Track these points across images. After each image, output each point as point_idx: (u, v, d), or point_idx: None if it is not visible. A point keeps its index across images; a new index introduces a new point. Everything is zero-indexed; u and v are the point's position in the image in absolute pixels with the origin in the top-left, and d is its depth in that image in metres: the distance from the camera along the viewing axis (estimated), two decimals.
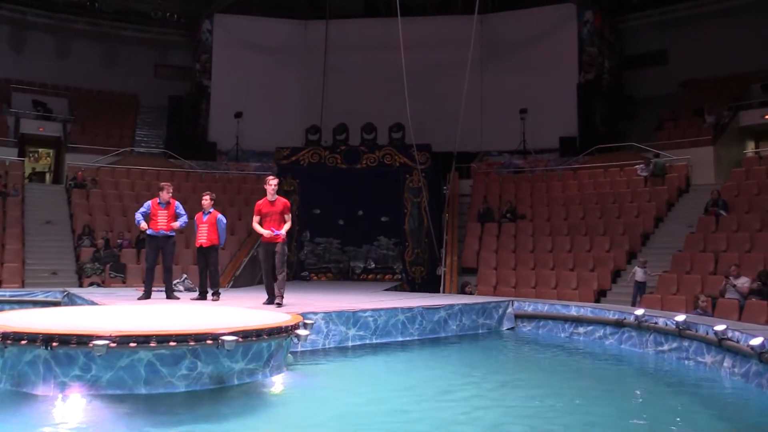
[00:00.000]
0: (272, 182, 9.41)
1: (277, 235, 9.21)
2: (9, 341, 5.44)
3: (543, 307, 10.68)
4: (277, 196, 9.45)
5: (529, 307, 10.86)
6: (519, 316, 10.81)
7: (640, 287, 13.50)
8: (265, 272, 9.45)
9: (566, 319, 10.06)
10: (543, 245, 16.66)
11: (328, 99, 23.47)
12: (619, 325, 9.05)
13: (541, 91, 21.89)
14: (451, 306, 10.07)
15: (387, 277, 17.77)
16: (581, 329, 9.78)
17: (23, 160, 20.67)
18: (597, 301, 13.76)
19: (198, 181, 20.90)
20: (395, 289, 16.30)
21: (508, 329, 10.69)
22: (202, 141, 23.45)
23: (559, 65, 22.12)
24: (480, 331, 10.35)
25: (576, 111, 21.63)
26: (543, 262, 16.05)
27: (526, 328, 10.69)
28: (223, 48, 24.34)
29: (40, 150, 24.34)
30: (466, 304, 10.30)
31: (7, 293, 12.13)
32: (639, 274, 13.60)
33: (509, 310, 10.84)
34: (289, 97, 23.81)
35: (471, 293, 14.13)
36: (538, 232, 17.27)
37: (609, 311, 9.50)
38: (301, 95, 23.99)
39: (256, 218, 9.51)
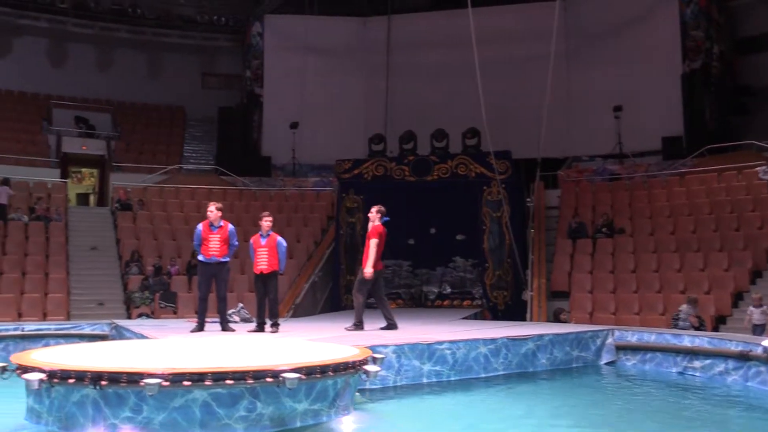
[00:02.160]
0: (372, 209, 10.90)
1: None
2: (56, 380, 5.67)
3: (649, 336, 10.35)
4: (378, 223, 10.75)
5: (632, 336, 10.54)
6: (620, 348, 10.51)
7: (760, 330, 12.38)
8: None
9: (678, 351, 9.72)
10: (647, 264, 16.18)
11: (392, 104, 23.64)
12: (743, 358, 8.67)
13: (638, 84, 21.37)
14: (541, 336, 9.89)
15: (465, 303, 17.64)
16: (697, 363, 9.41)
17: (66, 182, 21.70)
18: (715, 329, 13.22)
19: (252, 200, 21.41)
20: (475, 317, 16.18)
21: (607, 363, 10.41)
22: (256, 155, 24.03)
23: (658, 54, 21.56)
24: (574, 365, 10.12)
25: (681, 106, 20.98)
26: (647, 283, 15.57)
27: (630, 361, 10.37)
28: (275, 52, 24.94)
29: (83, 170, 25.52)
30: (557, 335, 10.10)
31: (53, 326, 12.70)
32: (756, 315, 12.63)
33: (609, 340, 10.55)
34: (350, 104, 24.12)
35: (566, 321, 13.83)
36: (640, 249, 16.79)
37: (731, 341, 9.13)
38: (363, 101, 24.27)
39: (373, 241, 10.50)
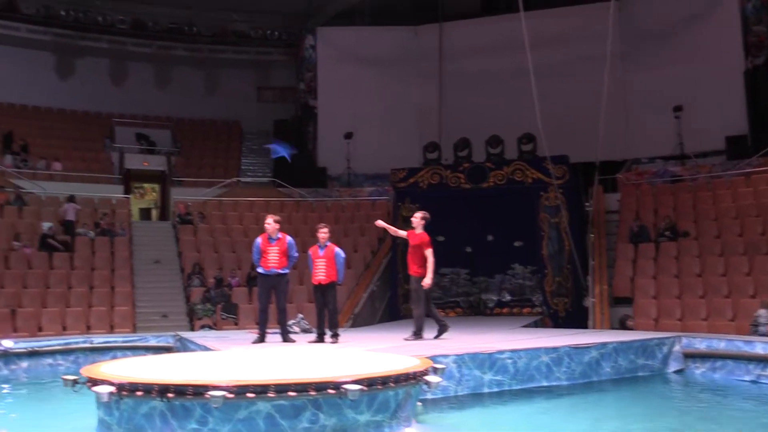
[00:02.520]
0: (416, 214, 10.78)
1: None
2: (124, 392, 5.82)
3: (719, 343, 10.05)
4: (422, 230, 10.61)
5: (701, 343, 10.25)
6: (689, 356, 10.24)
7: None
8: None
9: (751, 359, 9.40)
10: (713, 268, 15.68)
11: (446, 111, 23.61)
12: None
13: (698, 83, 20.82)
14: (604, 344, 9.70)
15: (525, 310, 17.46)
16: None
17: (129, 197, 22.32)
18: None
19: (309, 211, 21.64)
20: (535, 324, 15.99)
21: (675, 371, 10.14)
22: (311, 166, 24.28)
23: (718, 51, 20.95)
24: (640, 374, 9.89)
25: (744, 104, 20.34)
26: (715, 288, 15.09)
27: (699, 369, 10.09)
28: (328, 64, 25.20)
29: (145, 185, 26.21)
30: (622, 342, 9.89)
31: (120, 339, 13.08)
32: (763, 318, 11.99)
33: (676, 347, 10.29)
34: (403, 112, 24.16)
35: (632, 328, 13.49)
36: (706, 252, 16.29)
37: None
38: (417, 109, 24.28)
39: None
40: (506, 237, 17.89)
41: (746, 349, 9.59)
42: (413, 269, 10.57)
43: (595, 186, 19.07)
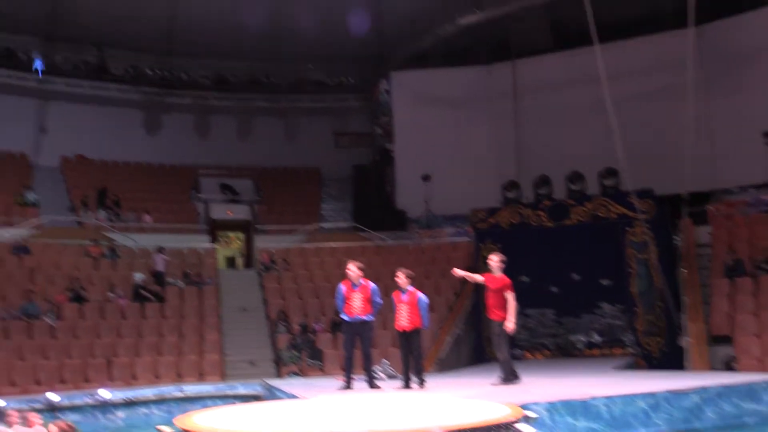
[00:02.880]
0: (493, 258, 10.60)
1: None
2: None
3: None
4: (501, 273, 10.44)
5: None
6: None
7: None
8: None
9: None
10: None
11: (523, 149, 23.40)
12: None
13: None
14: (705, 388, 9.23)
15: (616, 351, 16.90)
16: None
17: (215, 247, 22.96)
18: None
19: (389, 255, 21.69)
20: (628, 366, 15.42)
21: None
22: (390, 210, 24.40)
23: None
24: (747, 420, 9.33)
25: None
26: None
27: None
28: (403, 107, 25.43)
29: (230, 234, 26.92)
30: (725, 386, 9.40)
31: (211, 388, 13.35)
32: None
33: None
34: (480, 152, 24.05)
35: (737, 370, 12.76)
36: None
37: None
38: (493, 148, 24.12)
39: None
40: (592, 275, 17.45)
41: None
42: (495, 313, 10.36)
43: (684, 219, 18.42)
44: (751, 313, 15.35)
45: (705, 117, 20.64)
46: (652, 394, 8.89)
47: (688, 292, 16.43)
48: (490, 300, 10.44)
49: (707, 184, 20.64)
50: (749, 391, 9.49)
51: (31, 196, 22.02)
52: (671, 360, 15.40)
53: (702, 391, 9.17)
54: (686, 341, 15.14)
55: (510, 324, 10.15)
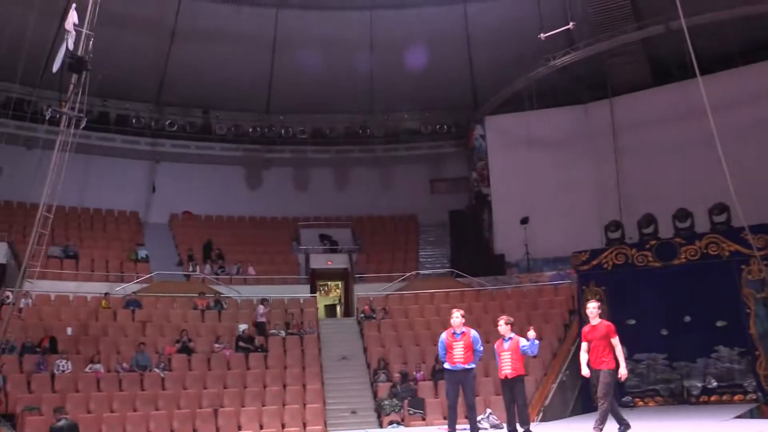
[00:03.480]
0: (590, 306, 9.96)
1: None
2: None
3: None
4: (600, 320, 9.82)
5: None
6: None
7: None
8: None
9: None
10: None
11: (624, 188, 22.74)
12: None
13: None
14: None
15: (736, 398, 15.85)
16: None
17: (315, 296, 23.28)
18: None
19: (489, 300, 21.40)
20: (751, 414, 14.40)
21: None
22: (489, 254, 24.15)
23: None
24: None
25: None
26: None
27: None
28: (498, 151, 25.33)
29: (329, 283, 27.28)
30: None
31: None
32: None
33: None
34: (580, 192, 23.54)
35: None
36: None
37: None
38: (594, 188, 23.57)
39: (583, 345, 9.95)
40: (706, 317, 16.54)
41: None
42: (602, 363, 9.62)
43: None
44: None
45: None
46: None
47: None
48: (596, 350, 9.73)
49: None
50: None
51: (142, 252, 23.15)
52: None
53: None
54: None
55: (623, 370, 9.65)
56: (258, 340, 19.06)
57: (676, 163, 21.82)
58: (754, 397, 15.54)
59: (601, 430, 9.68)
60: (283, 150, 27.99)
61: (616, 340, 9.62)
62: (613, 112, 23.93)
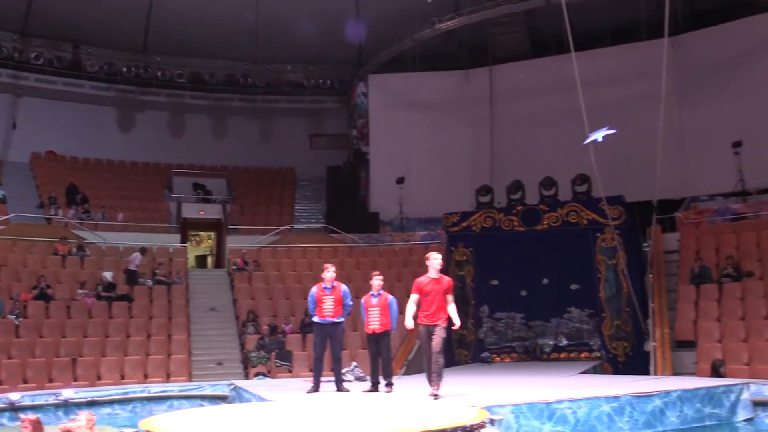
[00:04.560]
0: (437, 257, 9.50)
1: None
2: None
3: None
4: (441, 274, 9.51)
5: None
6: (758, 404, 9.78)
7: None
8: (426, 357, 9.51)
9: None
10: None
11: (498, 154, 23.59)
12: None
13: (757, 118, 20.31)
14: (668, 393, 9.37)
15: (583, 355, 17.02)
16: None
17: (186, 246, 22.78)
18: None
19: (361, 256, 21.72)
20: (594, 370, 15.57)
21: (744, 420, 9.70)
22: (364, 212, 24.46)
23: None
24: (707, 423, 9.49)
25: None
26: None
27: None
28: (379, 110, 25.51)
29: (201, 233, 26.75)
30: (686, 390, 9.54)
31: (176, 388, 13.21)
32: None
33: (744, 395, 9.87)
34: (455, 156, 24.21)
35: (725, 375, 12.75)
36: None
37: None
38: (469, 153, 24.30)
39: (414, 297, 9.47)
40: (562, 280, 17.53)
41: None
42: (439, 317, 9.31)
43: (653, 226, 18.63)
44: (715, 320, 15.58)
45: (677, 126, 20.98)
46: (616, 398, 8.99)
47: (655, 298, 16.64)
48: (434, 304, 9.30)
49: (677, 191, 20.98)
50: (709, 396, 9.63)
51: None
52: (636, 364, 15.57)
53: (664, 395, 9.30)
54: (651, 346, 15.34)
55: (458, 322, 9.55)
56: (123, 288, 18.49)
57: (547, 133, 22.84)
58: (598, 355, 16.74)
59: (439, 387, 9.38)
60: (159, 93, 26.91)
61: (451, 296, 9.52)
62: (492, 80, 24.62)
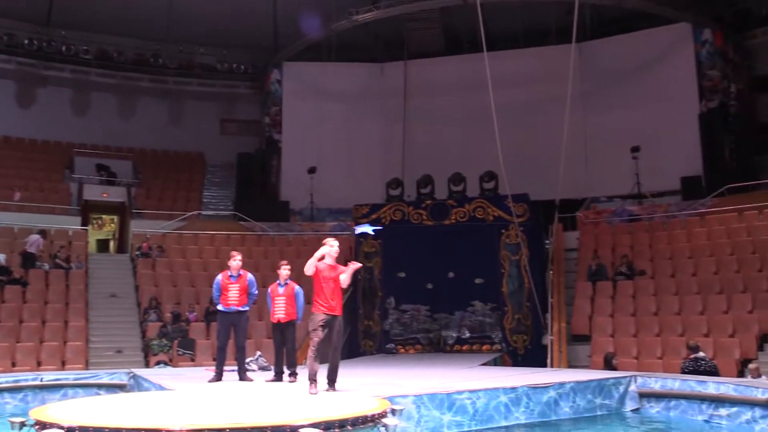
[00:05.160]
0: (335, 243, 9.20)
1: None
2: None
3: (673, 383, 10.18)
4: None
5: (656, 383, 10.38)
6: (644, 395, 10.34)
7: None
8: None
9: (703, 399, 9.53)
10: (669, 306, 15.97)
11: (409, 148, 23.84)
12: None
13: (655, 124, 21.40)
14: (562, 384, 9.76)
15: (484, 347, 17.48)
16: (723, 411, 9.22)
17: (87, 229, 21.93)
18: (741, 374, 12.96)
19: (270, 245, 21.52)
20: (494, 362, 16.04)
21: (632, 410, 10.23)
22: (274, 200, 24.20)
23: (675, 94, 21.61)
24: (598, 413, 9.95)
25: (699, 146, 20.95)
26: (670, 326, 15.35)
27: (654, 408, 10.20)
28: (293, 98, 25.29)
29: (103, 217, 25.81)
30: (579, 382, 9.96)
31: (71, 376, 12.70)
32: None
33: (632, 387, 10.39)
34: (367, 149, 24.33)
35: (617, 368, 13.29)
36: (661, 291, 16.59)
37: (757, 388, 8.93)
38: (381, 145, 24.46)
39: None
40: (467, 274, 17.92)
41: (699, 389, 9.73)
42: (339, 307, 8.96)
43: (555, 224, 19.33)
44: (608, 315, 16.34)
45: (581, 129, 21.78)
46: (513, 389, 9.28)
47: (554, 294, 17.29)
48: (334, 291, 8.89)
49: (579, 192, 21.82)
50: (600, 388, 10.10)
51: None
52: (535, 357, 16.15)
53: (558, 386, 9.68)
54: (549, 339, 15.93)
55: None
56: (18, 272, 17.63)
57: (458, 129, 23.30)
58: (499, 348, 17.24)
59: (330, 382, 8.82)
60: (63, 69, 25.64)
61: (345, 276, 9.03)
62: (407, 75, 24.86)
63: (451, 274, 18.13)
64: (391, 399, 7.57)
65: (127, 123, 26.38)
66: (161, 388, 9.83)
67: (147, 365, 15.75)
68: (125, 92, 26.60)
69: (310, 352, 8.70)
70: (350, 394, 8.40)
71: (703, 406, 9.52)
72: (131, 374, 12.33)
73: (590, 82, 22.59)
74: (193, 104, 27.17)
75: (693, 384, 9.92)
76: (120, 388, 12.14)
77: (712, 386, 9.64)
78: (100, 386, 12.15)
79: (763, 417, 8.65)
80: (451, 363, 14.64)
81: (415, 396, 8.48)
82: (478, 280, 17.87)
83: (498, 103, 16.18)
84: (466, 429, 8.70)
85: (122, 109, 26.64)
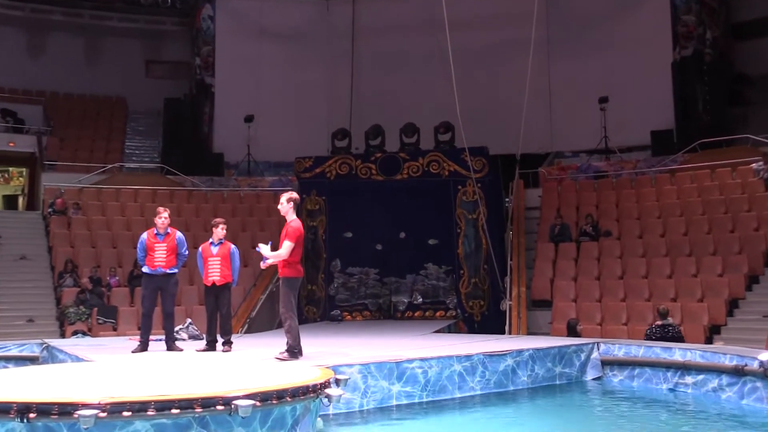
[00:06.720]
0: (282, 199, 9.36)
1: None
2: None
3: (638, 350, 10.45)
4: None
5: (619, 350, 10.64)
6: (607, 363, 10.61)
7: None
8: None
9: (669, 366, 9.82)
10: (635, 270, 16.38)
11: (358, 95, 23.67)
12: (738, 373, 8.78)
13: (625, 74, 21.65)
14: (520, 352, 9.95)
15: (438, 314, 17.70)
16: (689, 378, 9.52)
17: None
18: (709, 340, 13.44)
19: (202, 202, 21.31)
20: (449, 329, 16.27)
21: (593, 379, 10.51)
22: (206, 152, 23.93)
23: (647, 41, 21.83)
24: (558, 383, 10.20)
25: (671, 97, 21.30)
26: (636, 291, 15.76)
27: (617, 377, 10.47)
28: (228, 37, 24.82)
29: (11, 169, 25.14)
30: (538, 349, 10.17)
31: None
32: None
33: (594, 355, 10.65)
34: (311, 95, 24.11)
35: (581, 335, 13.59)
36: (627, 253, 17.00)
37: (725, 355, 9.25)
38: (325, 92, 24.27)
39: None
40: (420, 234, 18.04)
41: (664, 356, 10.01)
42: (298, 269, 9.38)
43: (516, 181, 19.54)
44: (571, 279, 16.70)
45: (545, 78, 21.95)
46: (468, 357, 9.42)
47: (514, 256, 17.58)
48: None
49: (541, 146, 22.06)
50: (561, 355, 10.33)
51: None
52: (493, 324, 16.44)
53: (516, 354, 9.86)
54: (507, 305, 16.22)
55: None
56: None
57: (411, 76, 23.23)
58: (454, 314, 17.47)
59: (292, 350, 9.16)
60: None
61: (288, 244, 9.23)
62: (356, 14, 24.57)
63: (402, 235, 18.21)
64: (334, 368, 7.61)
65: (36, 62, 25.66)
66: (79, 359, 9.68)
67: (63, 335, 15.56)
68: (34, 27, 25.81)
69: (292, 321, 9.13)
70: (290, 363, 8.41)
71: (669, 374, 9.81)
72: (44, 345, 12.09)
73: (556, 27, 22.69)
74: (114, 42, 26.50)
75: (658, 351, 10.21)
76: (31, 360, 11.89)
77: (678, 353, 9.93)
78: (8, 359, 11.86)
79: (729, 385, 8.96)
80: (402, 330, 14.79)
81: (362, 365, 8.53)
82: (431, 241, 18.00)
83: (455, 47, 16.14)
84: (417, 400, 8.81)
85: (31, 47, 25.88)
